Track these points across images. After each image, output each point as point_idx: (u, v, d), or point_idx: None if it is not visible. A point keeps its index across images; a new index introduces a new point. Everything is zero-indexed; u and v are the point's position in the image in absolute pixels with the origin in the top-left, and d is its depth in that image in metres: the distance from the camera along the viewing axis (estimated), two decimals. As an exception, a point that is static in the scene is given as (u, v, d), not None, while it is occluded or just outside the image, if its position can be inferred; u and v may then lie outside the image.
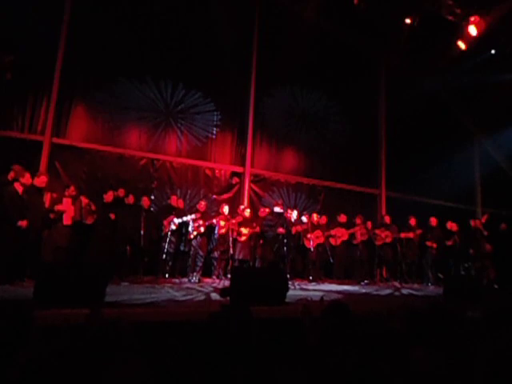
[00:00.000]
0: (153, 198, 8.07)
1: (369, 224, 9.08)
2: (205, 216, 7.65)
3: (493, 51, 9.75)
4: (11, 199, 5.46)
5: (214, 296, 5.02)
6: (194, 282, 6.86)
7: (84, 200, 6.53)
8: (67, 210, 6.22)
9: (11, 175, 5.57)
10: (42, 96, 7.53)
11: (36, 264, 5.66)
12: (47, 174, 6.70)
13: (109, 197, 6.93)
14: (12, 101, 7.19)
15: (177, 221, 7.35)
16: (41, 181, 5.96)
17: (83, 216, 6.44)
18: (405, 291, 7.26)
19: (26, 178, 5.69)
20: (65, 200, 6.26)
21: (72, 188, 6.50)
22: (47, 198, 6.18)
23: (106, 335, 1.65)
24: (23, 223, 5.46)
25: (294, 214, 8.15)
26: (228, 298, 4.16)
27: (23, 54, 5.94)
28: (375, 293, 6.73)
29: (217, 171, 9.14)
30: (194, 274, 7.21)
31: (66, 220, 6.19)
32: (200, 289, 5.90)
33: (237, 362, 1.73)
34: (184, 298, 4.70)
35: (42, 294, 3.39)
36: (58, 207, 6.18)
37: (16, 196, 5.54)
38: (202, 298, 4.90)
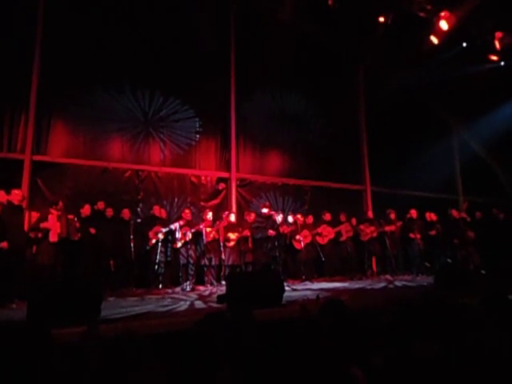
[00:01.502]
0: (139, 209, 8.00)
1: (353, 220, 9.21)
2: (191, 224, 7.62)
3: (464, 44, 10.03)
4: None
5: (199, 304, 5.00)
6: (187, 291, 6.81)
7: (70, 216, 6.43)
8: (53, 227, 6.09)
9: None
10: (19, 113, 7.37)
11: (23, 285, 5.52)
12: (27, 191, 6.57)
13: (86, 211, 6.81)
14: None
15: (163, 230, 7.30)
16: (15, 196, 5.71)
17: (70, 232, 6.34)
18: (398, 283, 7.37)
19: (1, 196, 5.50)
20: (50, 217, 6.14)
21: (60, 204, 6.38)
22: (28, 217, 6.03)
23: (124, 348, 1.65)
24: (4, 244, 5.28)
25: (279, 217, 8.16)
26: (225, 304, 4.16)
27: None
28: (369, 287, 6.82)
29: (203, 178, 9.11)
30: (187, 282, 7.16)
31: (53, 237, 6.07)
32: (185, 298, 5.82)
33: (236, 367, 1.74)
34: (165, 309, 4.61)
35: (36, 315, 3.33)
36: (43, 225, 6.05)
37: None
38: (185, 307, 4.80)
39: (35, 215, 6.17)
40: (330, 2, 8.93)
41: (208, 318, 1.92)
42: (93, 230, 6.65)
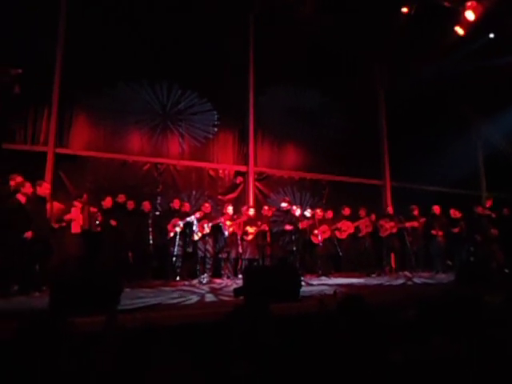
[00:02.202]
0: (158, 202, 8.09)
1: (373, 216, 9.07)
2: (209, 217, 7.66)
3: (491, 35, 9.68)
4: (15, 211, 5.40)
5: (210, 297, 5.00)
6: (204, 283, 6.86)
7: (92, 209, 6.56)
8: (76, 218, 6.23)
9: (12, 185, 5.50)
10: (42, 106, 7.56)
11: (46, 274, 5.68)
12: (51, 183, 6.73)
13: (107, 203, 6.95)
14: (14, 113, 7.21)
15: (181, 223, 7.37)
16: (43, 189, 5.90)
17: (92, 224, 6.47)
18: (417, 280, 7.24)
19: (27, 188, 5.63)
20: (73, 209, 6.28)
21: (85, 197, 6.53)
22: (50, 207, 6.18)
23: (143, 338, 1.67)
24: (29, 234, 5.42)
25: (298, 211, 8.14)
26: (242, 298, 4.18)
27: (22, 65, 5.96)
28: (387, 283, 6.72)
29: (220, 171, 9.14)
30: (204, 275, 7.22)
31: (75, 228, 6.21)
32: (197, 290, 5.84)
33: (253, 361, 1.73)
34: (174, 301, 4.62)
35: (58, 304, 3.41)
36: (67, 217, 6.19)
37: (19, 207, 5.47)
38: (196, 300, 4.81)
39: (57, 206, 6.31)
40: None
41: (232, 312, 1.92)
42: (113, 222, 6.77)
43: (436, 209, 9.08)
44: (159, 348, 1.69)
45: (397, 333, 2.35)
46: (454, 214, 9.07)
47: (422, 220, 8.88)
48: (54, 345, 1.41)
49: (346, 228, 8.68)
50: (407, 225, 8.80)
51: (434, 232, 8.85)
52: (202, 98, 9.11)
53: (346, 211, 8.92)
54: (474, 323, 2.17)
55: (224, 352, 1.74)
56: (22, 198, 5.54)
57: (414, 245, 8.83)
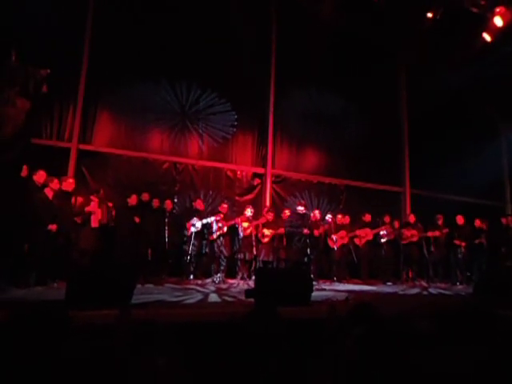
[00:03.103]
0: (176, 200, 8.19)
1: (396, 223, 8.91)
2: (227, 217, 7.71)
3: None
4: (42, 204, 5.66)
5: (213, 297, 5.03)
6: (217, 283, 6.91)
7: (109, 204, 6.71)
8: (95, 212, 6.40)
9: (35, 179, 5.69)
10: (68, 104, 7.79)
11: (66, 266, 5.84)
12: (74, 178, 6.92)
13: (133, 200, 7.10)
14: (40, 109, 7.43)
15: (200, 223, 7.44)
16: (68, 184, 6.18)
17: (109, 219, 6.62)
18: (433, 290, 7.09)
19: (55, 183, 5.90)
20: (92, 204, 6.44)
21: (102, 192, 6.70)
22: (74, 202, 6.36)
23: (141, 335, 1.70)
24: (53, 227, 5.67)
25: (317, 215, 8.11)
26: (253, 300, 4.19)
27: (49, 62, 6.15)
28: (402, 292, 6.61)
29: (238, 173, 9.18)
30: (218, 275, 7.27)
31: (94, 223, 6.37)
32: (202, 289, 5.88)
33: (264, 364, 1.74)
34: (175, 300, 4.69)
35: (74, 296, 3.50)
36: (87, 208, 6.35)
37: (46, 201, 5.74)
38: (197, 299, 4.84)
39: (79, 200, 6.49)
40: (374, -2, 8.65)
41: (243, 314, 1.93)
42: (137, 219, 6.91)
43: (459, 219, 8.85)
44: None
45: (408, 342, 2.31)
46: (480, 224, 8.81)
47: (445, 230, 8.67)
48: (47, 337, 1.43)
49: (364, 235, 8.56)
50: (429, 234, 8.63)
51: (456, 242, 8.64)
52: (221, 98, 9.16)
53: (367, 217, 8.81)
54: (488, 336, 2.12)
55: (226, 353, 1.75)
56: (49, 193, 5.80)
57: (436, 255, 8.64)
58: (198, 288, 6.04)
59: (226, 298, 5.08)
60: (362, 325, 2.33)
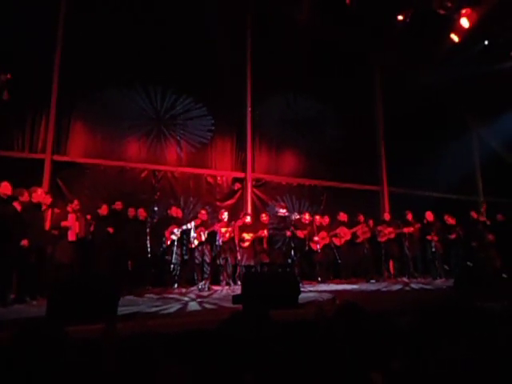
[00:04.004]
0: (156, 209, 8.06)
1: (370, 222, 9.06)
2: (206, 224, 7.65)
3: (486, 42, 9.79)
4: (11, 218, 5.32)
5: (193, 306, 4.96)
6: (203, 291, 6.83)
7: (87, 216, 6.55)
8: (72, 226, 6.22)
9: (3, 192, 5.36)
10: (40, 114, 7.57)
11: (42, 282, 5.64)
12: (49, 190, 6.72)
13: (103, 210, 6.91)
14: (11, 120, 7.21)
15: (178, 230, 7.35)
16: (37, 196, 5.82)
17: (87, 232, 6.45)
18: (415, 286, 7.24)
19: (25, 196, 5.59)
20: (70, 216, 6.26)
21: (76, 202, 6.51)
22: (49, 215, 6.16)
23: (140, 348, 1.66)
24: (25, 242, 5.37)
25: (296, 216, 8.14)
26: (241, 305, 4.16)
27: (19, 71, 5.97)
28: (385, 289, 6.72)
29: (218, 178, 9.14)
30: (203, 282, 7.19)
31: (71, 236, 6.19)
32: (181, 298, 5.79)
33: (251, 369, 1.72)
34: (153, 310, 4.58)
35: (55, 312, 3.39)
36: (63, 223, 6.17)
37: (15, 215, 5.41)
38: (175, 309, 4.74)
39: (57, 213, 6.30)
40: (347, 2, 8.82)
41: (228, 319, 1.91)
42: (111, 230, 6.74)
43: (428, 215, 9.11)
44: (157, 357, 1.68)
45: (393, 340, 2.34)
46: (448, 220, 9.12)
47: (417, 225, 8.92)
48: (49, 353, 1.40)
49: (343, 234, 8.67)
50: (405, 230, 8.82)
51: (429, 237, 8.88)
52: (197, 103, 9.10)
53: (343, 217, 8.92)
54: (470, 329, 2.16)
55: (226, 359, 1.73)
56: (18, 206, 5.48)
57: (412, 250, 8.85)
58: (178, 297, 5.93)
59: (207, 305, 5.00)
60: (349, 324, 2.35)
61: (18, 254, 5.36)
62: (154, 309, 4.66)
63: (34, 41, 7.22)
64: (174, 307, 4.81)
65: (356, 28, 9.82)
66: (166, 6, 8.65)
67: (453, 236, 8.94)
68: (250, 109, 9.57)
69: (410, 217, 9.10)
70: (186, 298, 5.71)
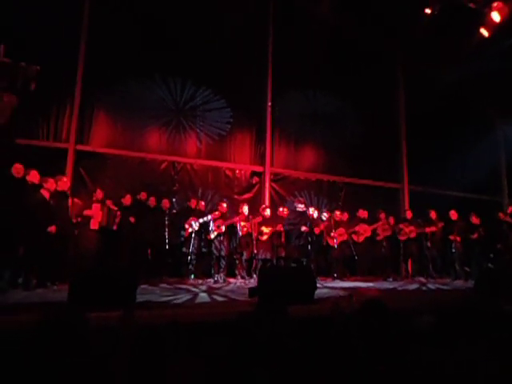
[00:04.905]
0: (174, 200, 8.15)
1: (391, 219, 8.91)
2: (225, 216, 7.69)
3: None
4: (40, 205, 5.52)
5: (203, 297, 4.94)
6: (219, 282, 6.90)
7: (112, 206, 6.67)
8: (95, 215, 6.35)
9: (32, 180, 5.52)
10: (65, 104, 7.74)
11: (66, 268, 5.80)
12: (71, 179, 6.88)
13: (127, 200, 7.04)
14: (37, 110, 7.38)
15: (197, 222, 7.41)
16: (63, 183, 5.99)
17: (110, 222, 6.58)
18: (432, 286, 7.11)
19: (51, 184, 5.74)
20: (94, 205, 6.40)
21: (98, 191, 6.65)
22: (71, 203, 6.30)
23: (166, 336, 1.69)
24: (52, 228, 5.55)
25: (315, 213, 8.09)
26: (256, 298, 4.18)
27: (46, 63, 6.10)
28: (401, 288, 6.63)
29: (237, 171, 9.16)
30: (219, 274, 7.25)
31: (93, 225, 6.33)
32: (193, 289, 5.80)
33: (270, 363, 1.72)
34: (162, 300, 4.58)
35: (76, 298, 3.48)
36: (86, 212, 6.32)
37: (44, 202, 5.60)
38: (185, 299, 4.72)
39: (76, 202, 6.43)
40: (372, -6, 8.64)
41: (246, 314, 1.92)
42: (132, 219, 6.87)
43: (453, 214, 8.84)
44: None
45: (413, 338, 2.32)
46: (474, 219, 8.82)
47: (440, 224, 8.67)
48: (71, 339, 1.43)
49: (363, 231, 8.56)
50: (427, 229, 8.63)
51: (451, 237, 8.67)
52: (216, 94, 9.11)
53: (363, 213, 8.80)
54: (490, 331, 2.12)
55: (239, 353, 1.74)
56: (45, 194, 5.66)
57: (433, 250, 8.65)
58: (190, 288, 5.96)
59: (217, 297, 4.99)
60: (373, 321, 2.33)
61: (45, 241, 5.52)
62: (164, 298, 4.67)
63: (60, 33, 7.36)
64: (184, 298, 4.81)
65: (379, 24, 9.61)
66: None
67: (474, 236, 8.69)
68: (269, 103, 9.51)
69: (433, 215, 8.85)
70: (197, 290, 5.74)
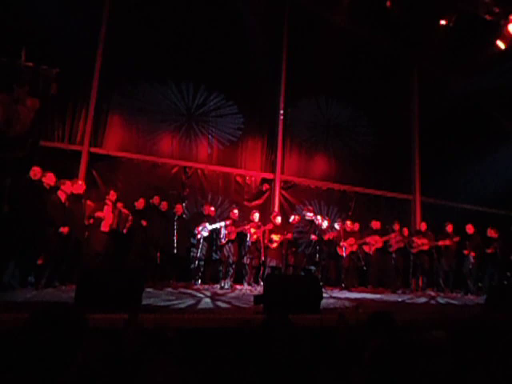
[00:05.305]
0: (184, 205, 8.19)
1: (405, 231, 8.79)
2: (236, 223, 7.69)
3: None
4: (55, 207, 5.67)
5: (206, 303, 4.92)
6: (225, 289, 6.88)
7: (123, 210, 6.74)
8: (106, 217, 6.43)
9: (48, 182, 5.66)
10: (80, 107, 7.87)
11: (76, 269, 5.86)
12: (85, 181, 6.97)
13: (140, 204, 7.13)
14: (53, 112, 7.51)
15: (209, 227, 7.43)
16: (78, 187, 6.20)
17: (120, 225, 6.64)
18: (441, 300, 6.98)
19: (67, 186, 5.92)
20: (106, 207, 6.48)
21: (112, 192, 6.74)
22: (85, 205, 6.40)
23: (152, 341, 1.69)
24: (65, 229, 5.67)
25: (325, 222, 8.03)
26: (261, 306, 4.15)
27: (63, 66, 6.23)
28: (409, 301, 6.52)
29: (247, 178, 9.17)
30: (226, 280, 7.24)
31: (104, 227, 6.40)
32: (197, 294, 5.77)
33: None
34: (163, 304, 4.56)
35: (83, 299, 3.51)
36: (97, 214, 6.40)
37: (59, 203, 5.76)
38: (187, 304, 4.70)
39: (88, 203, 6.52)
40: (387, 4, 8.63)
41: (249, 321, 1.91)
42: (144, 223, 6.93)
43: (469, 228, 8.68)
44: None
45: (424, 352, 2.28)
46: (491, 233, 8.55)
47: (456, 238, 8.49)
48: (65, 338, 1.43)
49: (374, 242, 8.46)
50: (440, 243, 8.48)
51: (466, 252, 8.50)
52: (228, 100, 9.15)
53: (376, 225, 8.71)
54: (501, 348, 2.07)
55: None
56: (62, 196, 5.82)
57: (447, 264, 8.49)
58: (195, 293, 5.95)
59: (220, 303, 4.98)
60: (381, 333, 2.29)
61: (57, 241, 5.63)
62: (166, 303, 4.66)
63: (78, 38, 7.49)
64: (186, 303, 4.80)
65: (394, 33, 9.58)
66: (200, 4, 8.74)
67: (490, 251, 8.46)
68: (281, 111, 9.53)
69: (449, 229, 8.69)
70: (202, 295, 5.72)
